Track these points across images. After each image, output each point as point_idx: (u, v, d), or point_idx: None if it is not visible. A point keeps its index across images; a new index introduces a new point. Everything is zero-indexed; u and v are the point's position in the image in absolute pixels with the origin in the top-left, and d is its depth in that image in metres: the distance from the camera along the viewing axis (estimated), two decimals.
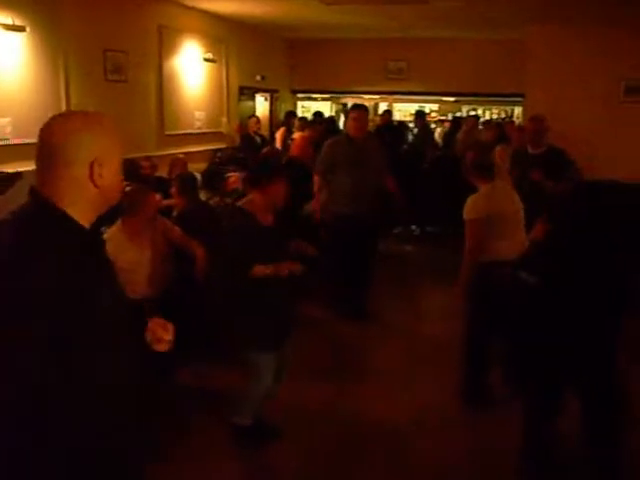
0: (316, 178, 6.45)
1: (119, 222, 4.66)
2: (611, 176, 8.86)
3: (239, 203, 4.04)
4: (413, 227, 10.48)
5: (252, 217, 3.85)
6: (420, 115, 12.23)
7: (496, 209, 4.47)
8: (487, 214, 4.47)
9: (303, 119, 11.10)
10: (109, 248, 4.54)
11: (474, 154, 4.75)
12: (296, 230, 6.33)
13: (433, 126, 13.96)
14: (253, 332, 3.87)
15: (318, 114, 12.13)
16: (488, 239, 4.50)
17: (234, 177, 7.19)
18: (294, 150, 7.15)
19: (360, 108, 6.55)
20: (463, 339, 4.84)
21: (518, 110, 13.71)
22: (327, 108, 14.94)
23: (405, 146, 11.24)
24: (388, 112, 12.90)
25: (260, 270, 3.72)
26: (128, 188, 4.81)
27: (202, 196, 5.83)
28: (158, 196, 6.36)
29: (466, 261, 4.56)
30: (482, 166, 4.64)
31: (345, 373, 5.39)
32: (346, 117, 15.29)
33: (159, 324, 2.28)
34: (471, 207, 4.56)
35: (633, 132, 9.45)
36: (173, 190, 5.59)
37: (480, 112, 14.42)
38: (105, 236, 4.67)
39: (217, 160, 9.11)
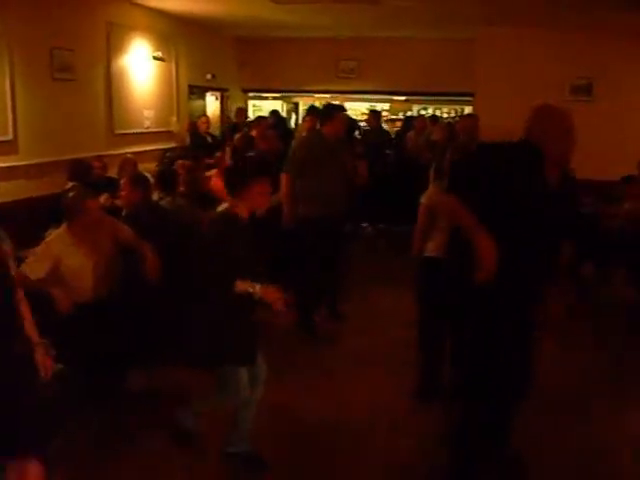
0: (286, 179, 6.08)
1: (64, 225, 4.58)
2: None
3: (222, 209, 3.79)
4: (365, 225, 10.52)
5: (240, 223, 3.69)
6: (375, 114, 12.19)
7: (434, 206, 4.57)
8: (429, 205, 4.64)
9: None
10: (55, 249, 4.50)
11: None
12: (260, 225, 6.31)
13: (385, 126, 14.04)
14: (225, 346, 3.71)
15: (275, 112, 12.13)
16: (428, 232, 4.68)
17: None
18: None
19: (342, 110, 6.46)
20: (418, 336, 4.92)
21: (468, 109, 13.85)
22: (278, 107, 14.89)
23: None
24: None
25: (243, 287, 3.57)
26: (71, 192, 4.71)
27: (154, 196, 5.76)
28: (104, 197, 6.27)
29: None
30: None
31: (296, 373, 5.36)
32: (298, 116, 15.41)
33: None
34: (425, 193, 4.78)
35: (577, 128, 9.65)
36: (123, 190, 5.50)
37: (430, 111, 14.54)
38: (50, 237, 4.60)
39: (166, 160, 9.00)
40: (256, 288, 3.57)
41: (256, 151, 7.50)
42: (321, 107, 6.54)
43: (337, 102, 14.29)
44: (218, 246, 3.61)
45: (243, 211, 3.72)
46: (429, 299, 4.75)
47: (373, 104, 14.82)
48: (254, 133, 8.76)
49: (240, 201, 3.71)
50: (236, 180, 3.74)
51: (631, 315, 6.98)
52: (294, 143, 6.38)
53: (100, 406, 4.45)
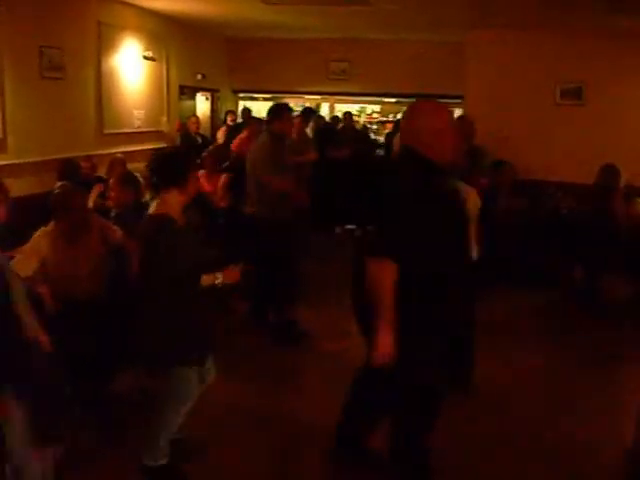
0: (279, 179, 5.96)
1: (52, 223, 4.56)
2: (548, 177, 9.10)
3: (154, 210, 3.58)
4: (352, 227, 10.53)
5: (175, 224, 3.51)
6: (348, 115, 12.23)
7: None
8: None
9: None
10: (43, 247, 4.48)
11: None
12: (241, 230, 6.29)
13: (375, 127, 14.15)
14: (181, 345, 3.55)
15: None
16: None
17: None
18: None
19: (290, 110, 6.45)
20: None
21: (458, 112, 13.86)
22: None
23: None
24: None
25: (208, 281, 3.57)
26: (58, 190, 4.69)
27: (147, 196, 5.75)
28: (93, 195, 6.25)
29: None
30: None
31: (280, 376, 5.38)
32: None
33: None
34: None
35: (568, 132, 9.72)
36: (112, 190, 5.48)
37: None
38: (38, 234, 4.58)
39: None
40: (219, 277, 3.63)
41: (237, 157, 7.60)
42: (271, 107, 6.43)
43: (327, 103, 14.50)
44: (166, 257, 3.44)
45: (178, 207, 3.57)
46: None
47: (364, 106, 14.86)
48: (245, 134, 8.77)
49: (179, 194, 3.54)
50: (181, 171, 3.57)
51: (613, 313, 7.16)
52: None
53: (87, 407, 4.43)
